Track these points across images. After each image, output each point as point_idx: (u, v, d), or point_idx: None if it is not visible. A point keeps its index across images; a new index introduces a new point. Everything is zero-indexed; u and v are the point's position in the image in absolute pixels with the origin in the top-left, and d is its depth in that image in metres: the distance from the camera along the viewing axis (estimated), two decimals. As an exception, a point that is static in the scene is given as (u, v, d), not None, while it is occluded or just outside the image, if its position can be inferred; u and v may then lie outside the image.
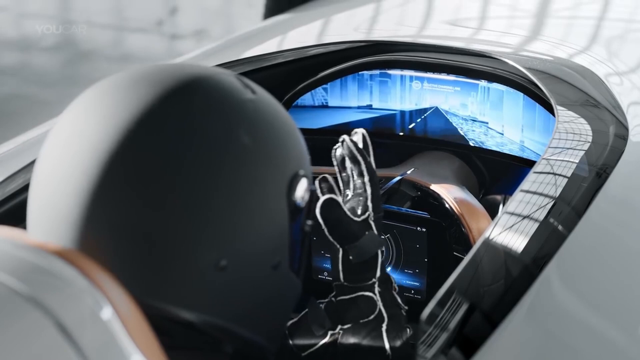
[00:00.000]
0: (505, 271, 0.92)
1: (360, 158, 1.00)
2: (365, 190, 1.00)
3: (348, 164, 1.03)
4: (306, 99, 1.55)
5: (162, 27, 5.05)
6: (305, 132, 1.46)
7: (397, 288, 1.01)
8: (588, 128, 1.20)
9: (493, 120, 1.44)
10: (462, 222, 1.30)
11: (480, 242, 0.89)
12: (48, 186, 0.75)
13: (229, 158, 0.75)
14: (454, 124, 1.48)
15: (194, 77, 0.77)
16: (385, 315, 0.97)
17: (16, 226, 0.81)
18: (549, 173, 1.06)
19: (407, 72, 1.48)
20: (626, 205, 1.13)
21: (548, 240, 0.97)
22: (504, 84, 1.40)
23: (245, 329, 0.79)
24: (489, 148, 1.47)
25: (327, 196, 0.96)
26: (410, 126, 1.52)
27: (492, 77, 1.41)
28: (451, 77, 1.45)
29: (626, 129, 1.22)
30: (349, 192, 1.03)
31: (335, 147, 1.05)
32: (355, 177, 1.01)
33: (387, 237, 1.32)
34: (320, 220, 0.95)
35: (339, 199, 0.97)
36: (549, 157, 1.08)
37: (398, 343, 0.96)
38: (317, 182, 1.04)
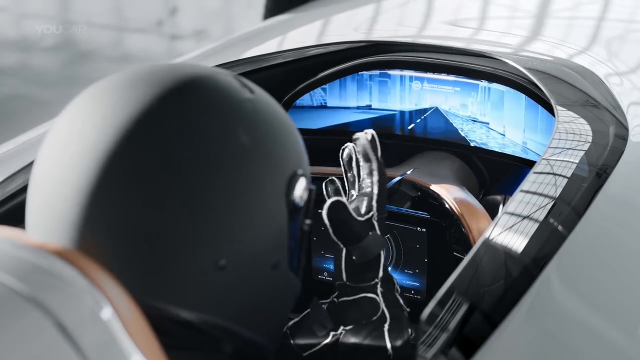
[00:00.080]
0: (505, 271, 0.92)
1: (373, 157, 1.01)
2: (372, 190, 1.00)
3: (354, 164, 1.04)
4: (305, 99, 1.55)
5: (162, 28, 5.05)
6: (305, 132, 1.47)
7: (399, 289, 1.01)
8: (588, 128, 1.20)
9: (494, 120, 1.44)
10: (462, 222, 1.30)
11: (480, 243, 0.89)
12: (46, 186, 0.75)
13: (227, 158, 0.75)
14: (455, 125, 1.48)
15: (192, 77, 0.77)
16: (387, 315, 0.97)
17: (16, 226, 0.81)
18: (549, 173, 1.06)
19: (407, 73, 1.48)
20: (626, 205, 1.13)
21: (548, 240, 0.97)
22: (504, 85, 1.40)
23: (244, 328, 0.79)
24: (489, 148, 1.46)
25: (334, 198, 0.96)
26: (410, 126, 1.52)
27: (492, 78, 1.41)
28: (451, 78, 1.45)
29: (626, 129, 1.22)
30: (354, 192, 1.04)
31: (342, 147, 1.05)
32: (364, 176, 1.01)
33: (387, 237, 1.32)
34: (327, 222, 0.95)
35: (346, 201, 0.98)
36: (549, 158, 1.08)
37: (399, 343, 0.96)
38: (324, 185, 1.04)
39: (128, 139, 0.73)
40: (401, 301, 1.00)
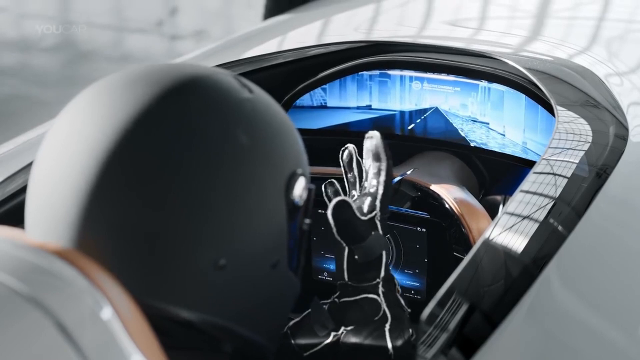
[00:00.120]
0: (505, 271, 0.92)
1: (384, 157, 1.01)
2: (377, 190, 1.00)
3: (355, 165, 1.04)
4: (305, 99, 1.55)
5: (162, 28, 5.05)
6: (305, 132, 1.47)
7: (400, 290, 1.01)
8: (588, 128, 1.20)
9: (494, 120, 1.44)
10: (462, 222, 1.30)
11: (480, 243, 0.89)
12: (46, 187, 0.75)
13: (226, 157, 0.75)
14: (455, 125, 1.48)
15: (191, 76, 0.77)
16: (389, 315, 0.97)
17: (16, 226, 0.81)
18: (548, 173, 1.06)
19: (407, 73, 1.48)
20: (626, 205, 1.12)
21: (548, 240, 0.97)
22: (504, 85, 1.40)
23: (244, 328, 0.79)
24: (490, 148, 1.46)
25: (339, 198, 0.96)
26: (410, 127, 1.52)
27: (492, 78, 1.41)
28: (451, 78, 1.45)
29: (626, 129, 1.22)
30: (355, 193, 1.04)
31: (343, 148, 1.05)
32: (371, 175, 1.01)
33: (387, 237, 1.32)
34: (331, 221, 0.96)
35: (351, 200, 0.98)
36: (548, 158, 1.08)
37: (400, 343, 0.96)
38: (323, 187, 1.05)
39: (127, 139, 0.73)
40: (402, 302, 1.00)
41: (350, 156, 1.05)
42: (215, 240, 0.74)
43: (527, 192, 1.00)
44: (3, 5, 5.32)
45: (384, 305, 0.97)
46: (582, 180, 1.08)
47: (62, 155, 0.74)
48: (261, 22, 2.62)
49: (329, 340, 0.99)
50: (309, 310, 1.01)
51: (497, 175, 1.49)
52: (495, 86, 1.41)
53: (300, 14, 2.23)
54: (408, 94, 1.50)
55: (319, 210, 1.34)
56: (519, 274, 0.93)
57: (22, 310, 0.65)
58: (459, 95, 1.45)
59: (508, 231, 0.94)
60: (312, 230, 1.36)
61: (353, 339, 0.97)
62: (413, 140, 1.52)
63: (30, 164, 1.22)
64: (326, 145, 1.41)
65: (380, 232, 0.99)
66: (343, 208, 0.96)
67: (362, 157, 1.06)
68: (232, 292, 0.77)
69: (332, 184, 1.05)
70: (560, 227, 0.99)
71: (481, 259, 0.89)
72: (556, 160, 1.09)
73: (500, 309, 0.86)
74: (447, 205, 1.31)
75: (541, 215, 0.98)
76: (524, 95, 1.38)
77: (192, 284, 0.74)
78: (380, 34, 1.86)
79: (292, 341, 1.00)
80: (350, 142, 1.07)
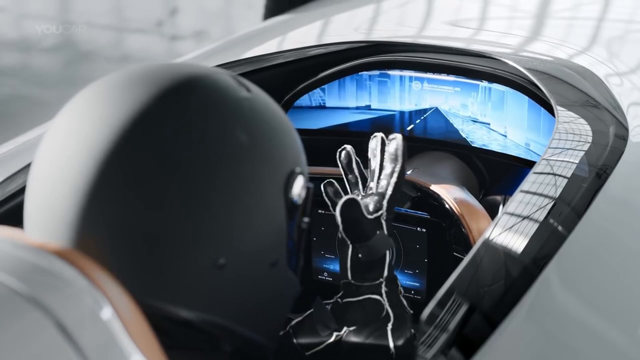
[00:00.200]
0: (505, 271, 0.92)
1: (401, 159, 1.01)
2: (386, 190, 1.01)
3: (355, 165, 1.04)
4: (304, 99, 1.55)
5: (162, 28, 5.05)
6: (304, 132, 1.47)
7: (402, 291, 1.01)
8: (588, 128, 1.20)
9: (495, 121, 1.44)
10: (462, 222, 1.30)
11: (480, 243, 0.89)
12: (45, 187, 0.75)
13: (225, 157, 0.75)
14: (455, 125, 1.48)
15: (190, 76, 0.77)
16: (391, 315, 0.97)
17: (16, 226, 0.81)
18: (548, 173, 1.06)
19: (407, 73, 1.48)
20: (626, 205, 1.12)
21: (548, 240, 0.97)
22: (504, 85, 1.40)
23: (244, 327, 0.79)
24: (489, 149, 1.46)
25: (348, 196, 0.97)
26: (410, 127, 1.52)
27: (492, 78, 1.41)
28: (451, 78, 1.45)
29: (626, 129, 1.22)
30: (358, 193, 1.04)
31: (339, 149, 1.06)
32: (383, 175, 1.02)
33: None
34: (339, 220, 0.96)
35: (359, 199, 0.98)
36: (549, 158, 1.08)
37: (402, 342, 0.96)
38: (322, 187, 1.05)
39: (126, 139, 0.73)
40: (405, 303, 1.00)
41: (348, 157, 1.05)
42: (214, 240, 0.74)
43: (527, 192, 1.00)
44: (3, 5, 5.32)
45: (386, 305, 0.98)
46: (582, 180, 1.08)
47: (61, 155, 0.74)
48: (261, 22, 2.62)
49: (331, 340, 0.99)
50: (311, 310, 1.01)
51: (497, 175, 1.49)
52: (496, 86, 1.41)
53: (300, 14, 2.23)
54: (408, 94, 1.49)
55: (319, 211, 1.34)
56: (519, 274, 0.93)
57: (22, 310, 0.65)
58: (459, 95, 1.45)
59: (508, 231, 0.94)
60: (312, 230, 1.36)
61: (355, 338, 0.97)
62: (413, 141, 1.52)
63: (30, 164, 1.22)
64: (325, 145, 1.40)
65: (385, 232, 1.00)
66: (352, 206, 0.96)
67: (361, 158, 1.06)
68: (232, 292, 0.77)
69: (331, 184, 1.05)
70: (560, 228, 0.99)
71: (481, 259, 0.89)
72: (556, 160, 1.09)
73: (500, 309, 0.86)
74: (447, 206, 1.31)
75: (541, 215, 0.98)
76: (526, 96, 1.38)
77: (192, 283, 0.74)
78: (380, 34, 1.86)
79: (294, 341, 1.00)
80: (350, 143, 1.08)
